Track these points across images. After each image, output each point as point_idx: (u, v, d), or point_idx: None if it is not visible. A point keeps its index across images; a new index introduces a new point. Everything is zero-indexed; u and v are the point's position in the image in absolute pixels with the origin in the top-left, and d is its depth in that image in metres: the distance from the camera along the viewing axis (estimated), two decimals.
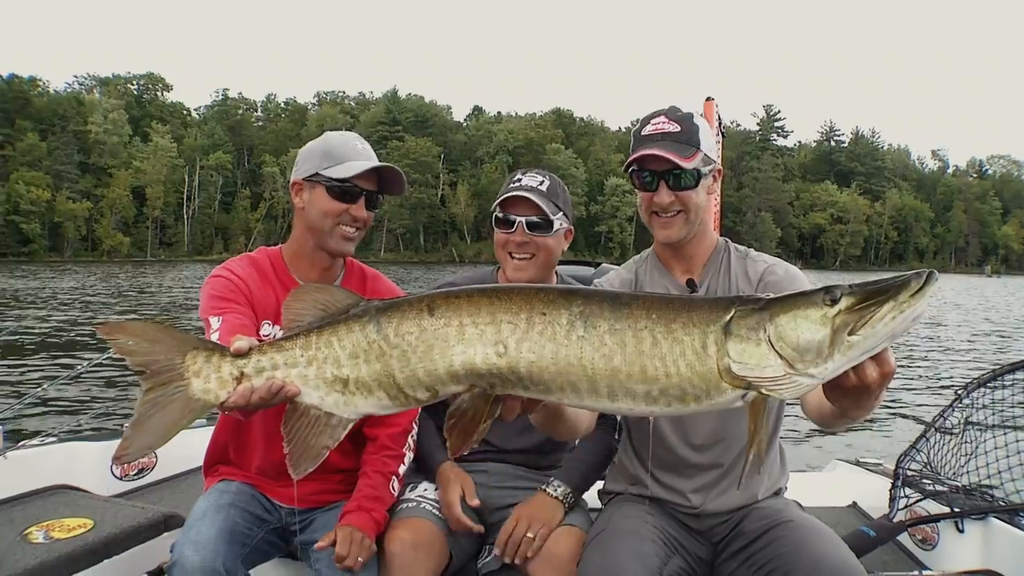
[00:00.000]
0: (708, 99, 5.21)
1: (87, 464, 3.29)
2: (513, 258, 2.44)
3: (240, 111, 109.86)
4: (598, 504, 2.38)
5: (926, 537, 2.95)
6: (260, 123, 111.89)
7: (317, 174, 2.26)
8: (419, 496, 2.35)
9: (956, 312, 31.10)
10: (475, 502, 2.26)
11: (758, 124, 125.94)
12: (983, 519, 2.84)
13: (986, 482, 3.02)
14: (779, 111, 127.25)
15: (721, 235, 2.37)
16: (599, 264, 3.84)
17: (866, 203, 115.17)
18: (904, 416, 10.00)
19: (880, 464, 3.77)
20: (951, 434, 3.12)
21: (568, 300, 1.39)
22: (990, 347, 18.89)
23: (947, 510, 2.88)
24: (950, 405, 3.13)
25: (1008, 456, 3.02)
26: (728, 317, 1.35)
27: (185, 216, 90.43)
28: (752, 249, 2.29)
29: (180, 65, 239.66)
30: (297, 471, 1.44)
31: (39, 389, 3.96)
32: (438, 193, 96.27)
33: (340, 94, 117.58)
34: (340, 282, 2.40)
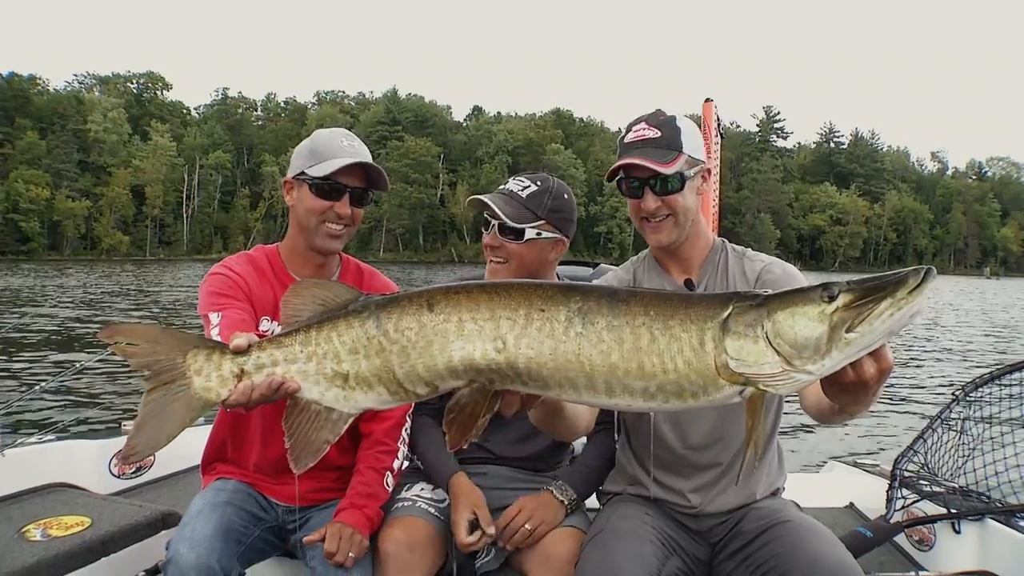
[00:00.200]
0: (707, 100, 5.21)
1: (85, 462, 3.29)
2: (490, 261, 2.42)
3: (240, 110, 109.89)
4: (596, 504, 2.38)
5: (923, 538, 2.96)
6: (260, 122, 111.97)
7: (303, 172, 2.26)
8: (415, 495, 2.35)
9: (954, 313, 31.13)
10: (491, 531, 2.19)
11: (758, 125, 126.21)
12: (980, 520, 2.84)
13: (983, 483, 3.02)
14: (778, 112, 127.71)
15: (720, 236, 2.37)
16: (597, 264, 3.85)
17: (865, 205, 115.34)
18: (901, 417, 10.00)
19: (877, 465, 3.78)
20: (948, 435, 3.12)
21: (566, 296, 1.39)
22: (988, 348, 18.90)
23: (944, 511, 2.88)
24: (947, 406, 3.14)
25: (1005, 458, 3.02)
26: (726, 314, 1.35)
27: (184, 215, 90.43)
28: (749, 249, 2.29)
29: (180, 64, 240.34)
30: (298, 466, 1.45)
31: (37, 387, 3.96)
32: (437, 193, 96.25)
33: (340, 94, 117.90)
34: (336, 279, 2.40)
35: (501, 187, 2.44)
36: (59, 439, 3.41)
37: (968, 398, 3.09)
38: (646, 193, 2.08)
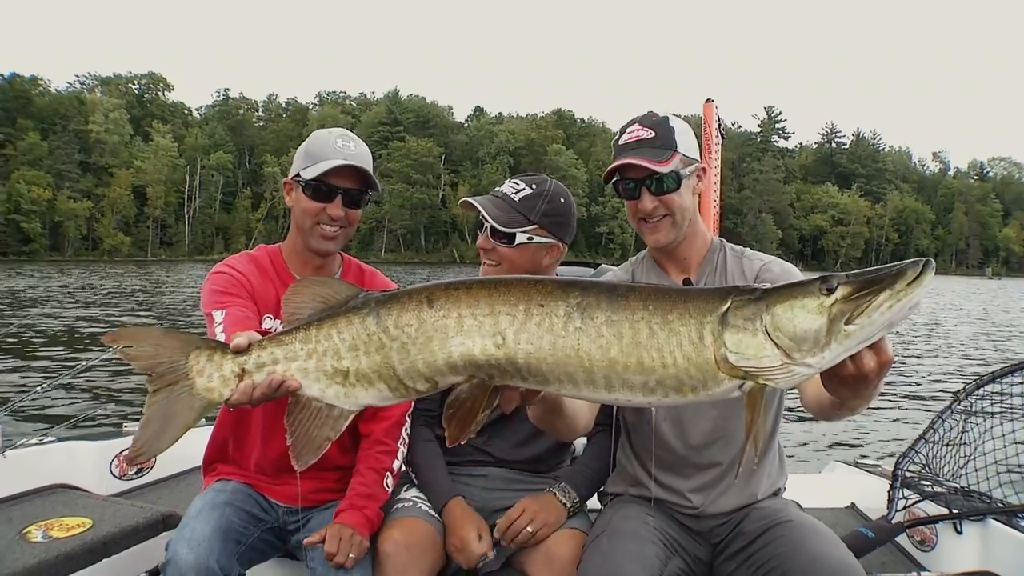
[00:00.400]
0: (708, 101, 5.22)
1: (86, 463, 3.29)
2: (484, 263, 2.41)
3: (241, 111, 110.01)
4: (597, 505, 2.37)
5: (924, 538, 2.95)
6: (261, 123, 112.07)
7: (298, 174, 2.26)
8: (415, 496, 2.35)
9: (956, 314, 31.10)
10: (491, 553, 2.19)
11: (759, 125, 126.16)
12: (981, 521, 2.84)
13: (984, 484, 3.03)
14: (780, 112, 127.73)
15: (721, 236, 2.37)
16: (598, 265, 3.85)
17: (867, 205, 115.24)
18: (903, 417, 9.99)
19: (879, 465, 3.78)
20: (950, 435, 3.12)
21: (566, 292, 1.40)
22: (989, 348, 18.88)
23: (945, 511, 2.88)
24: (949, 407, 3.13)
25: (1007, 458, 3.02)
26: (725, 307, 1.35)
27: (186, 216, 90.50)
28: (748, 249, 2.30)
29: (181, 65, 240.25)
30: (300, 463, 1.46)
31: (39, 388, 3.96)
32: (439, 194, 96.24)
33: (341, 94, 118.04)
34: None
35: (496, 189, 2.43)
36: (60, 440, 3.40)
37: (970, 398, 3.08)
38: (643, 193, 2.08)
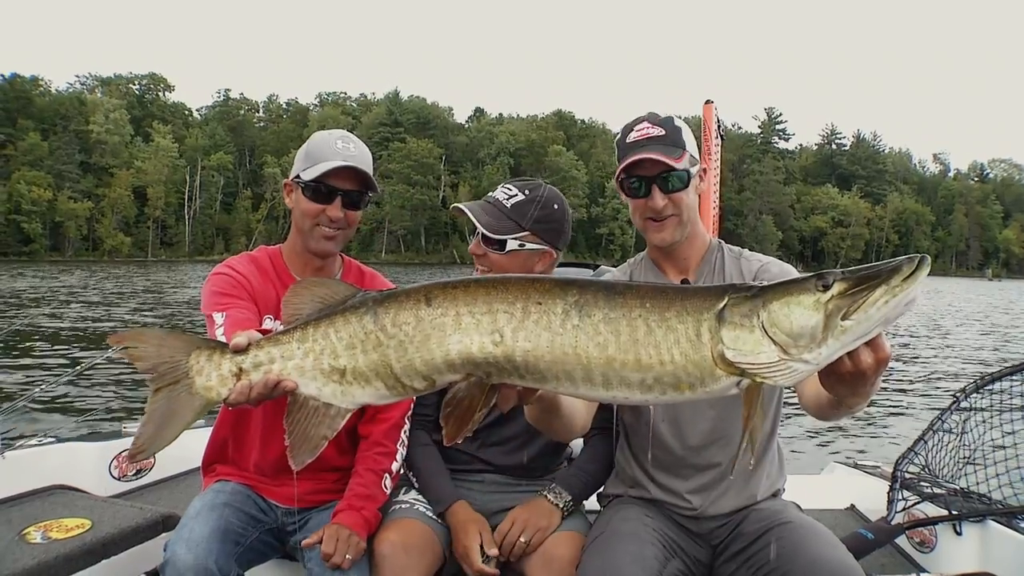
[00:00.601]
0: (707, 102, 5.23)
1: (85, 464, 3.29)
2: (477, 268, 2.41)
3: (242, 112, 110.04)
4: (597, 506, 2.37)
5: (924, 540, 2.95)
6: (262, 124, 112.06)
7: (298, 176, 2.27)
8: (413, 498, 2.35)
9: (956, 315, 31.09)
10: (494, 551, 2.18)
11: (759, 127, 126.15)
12: (981, 522, 2.84)
13: (984, 485, 3.02)
14: (780, 114, 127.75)
15: (721, 237, 2.38)
16: (598, 266, 3.86)
17: (867, 206, 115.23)
18: (902, 419, 9.99)
19: (878, 467, 3.77)
20: (949, 436, 3.12)
21: (563, 290, 1.40)
22: (989, 350, 18.88)
23: (945, 513, 2.88)
24: (948, 408, 3.13)
25: (1006, 459, 3.02)
26: (722, 305, 1.36)
27: (186, 216, 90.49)
28: (746, 249, 2.30)
29: (182, 65, 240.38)
30: (296, 462, 1.46)
31: (38, 389, 3.96)
32: (439, 195, 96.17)
33: (342, 95, 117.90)
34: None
35: (489, 194, 2.41)
36: (60, 441, 3.40)
37: (969, 399, 3.09)
38: (654, 191, 2.08)
